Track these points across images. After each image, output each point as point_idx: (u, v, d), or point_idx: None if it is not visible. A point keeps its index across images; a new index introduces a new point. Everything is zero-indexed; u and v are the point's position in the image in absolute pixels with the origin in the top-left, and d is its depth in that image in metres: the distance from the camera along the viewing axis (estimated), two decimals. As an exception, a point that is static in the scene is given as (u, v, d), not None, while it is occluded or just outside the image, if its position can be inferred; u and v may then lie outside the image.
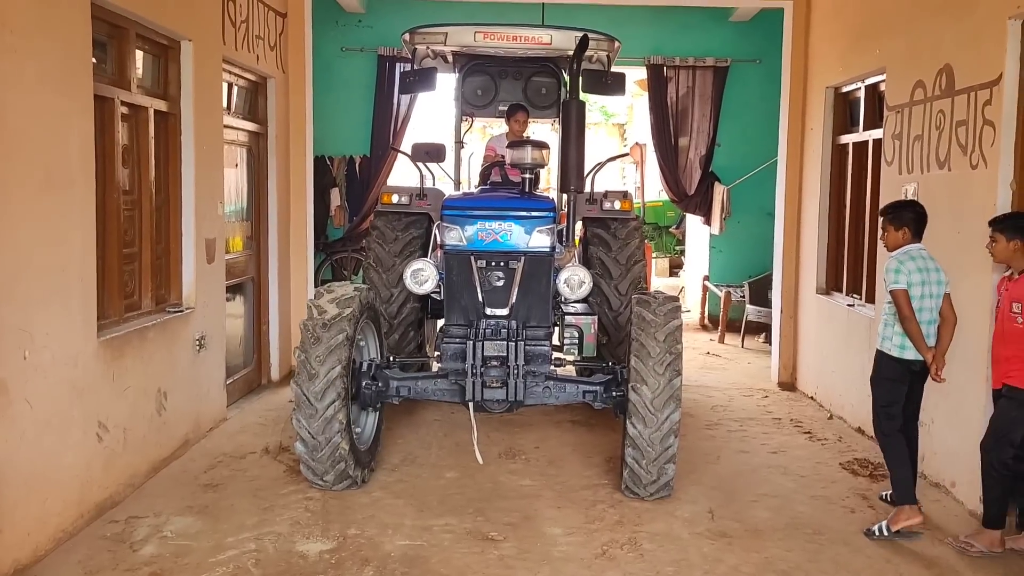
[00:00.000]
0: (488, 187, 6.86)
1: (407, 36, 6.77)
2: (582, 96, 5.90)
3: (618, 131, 23.62)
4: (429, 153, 6.36)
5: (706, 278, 11.57)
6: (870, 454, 6.19)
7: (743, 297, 10.55)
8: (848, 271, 7.51)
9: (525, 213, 5.66)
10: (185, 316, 6.06)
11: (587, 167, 6.18)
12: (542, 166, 6.05)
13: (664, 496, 5.30)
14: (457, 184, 7.77)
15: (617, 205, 6.94)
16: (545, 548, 4.66)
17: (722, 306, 10.81)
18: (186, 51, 6.06)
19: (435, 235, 6.54)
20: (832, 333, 7.54)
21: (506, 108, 7.52)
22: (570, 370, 6.73)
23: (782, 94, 8.51)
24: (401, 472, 5.80)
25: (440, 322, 6.28)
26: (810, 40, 8.21)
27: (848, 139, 7.56)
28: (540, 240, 5.62)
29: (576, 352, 6.04)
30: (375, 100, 10.37)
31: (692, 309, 12.30)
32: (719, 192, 10.77)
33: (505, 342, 5.39)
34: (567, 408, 7.02)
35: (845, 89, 7.65)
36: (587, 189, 6.62)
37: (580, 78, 5.73)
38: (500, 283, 5.57)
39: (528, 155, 5.82)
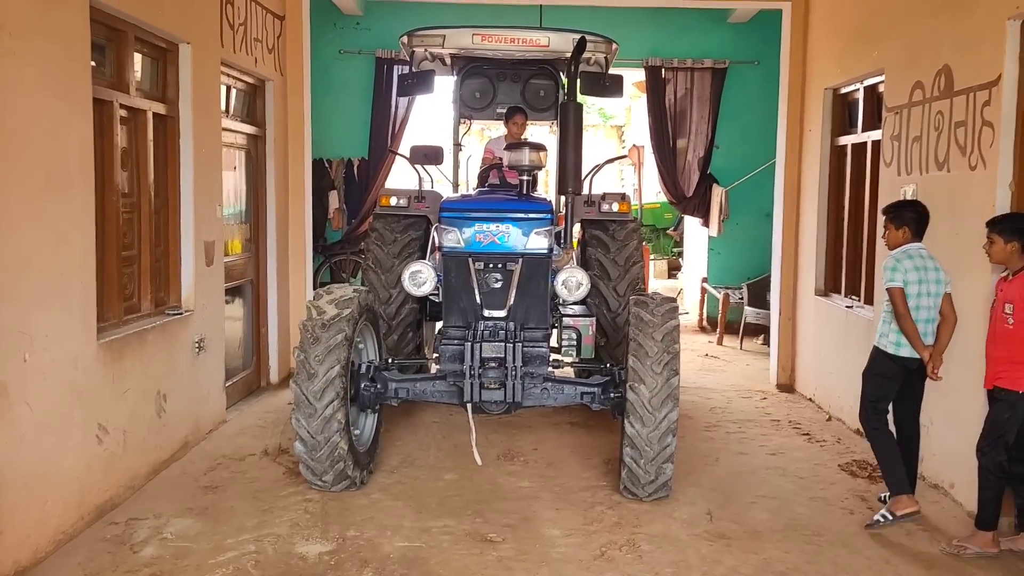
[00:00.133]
0: (486, 189, 6.86)
1: (405, 38, 6.78)
2: (580, 98, 5.90)
3: (616, 133, 23.64)
4: (427, 155, 6.37)
5: (704, 280, 11.58)
6: (869, 456, 6.16)
7: (741, 299, 10.56)
8: (847, 272, 7.52)
9: (523, 215, 5.66)
10: (184, 318, 6.06)
11: (585, 169, 6.20)
12: (540, 168, 6.06)
13: (662, 497, 5.31)
14: (455, 186, 7.78)
15: (615, 207, 6.95)
16: (544, 549, 4.66)
17: (720, 308, 10.82)
18: (184, 54, 6.07)
19: (433, 237, 6.56)
20: (831, 335, 7.55)
21: (504, 110, 7.53)
22: (568, 372, 6.74)
23: (780, 95, 8.52)
24: (400, 474, 5.80)
25: (438, 324, 6.29)
26: (808, 41, 8.22)
27: (847, 140, 7.57)
28: (538, 242, 5.62)
29: (574, 354, 6.05)
30: (373, 103, 10.39)
31: (691, 311, 12.31)
32: (717, 194, 10.78)
33: (503, 344, 5.39)
34: (565, 410, 7.02)
35: (844, 90, 7.66)
36: (585, 191, 6.63)
37: (578, 80, 5.74)
38: (498, 285, 5.58)
39: (526, 157, 5.84)
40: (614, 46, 6.80)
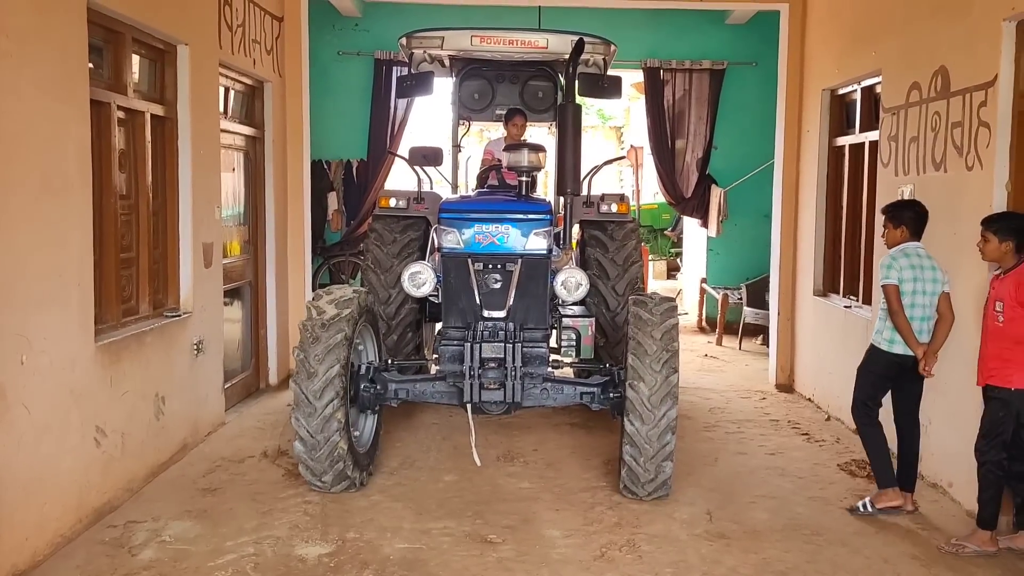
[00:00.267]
0: (485, 190, 6.87)
1: (404, 40, 6.79)
2: (578, 99, 5.91)
3: (615, 134, 23.68)
4: (427, 157, 6.37)
5: (703, 281, 11.59)
6: (868, 455, 6.20)
7: (740, 299, 10.56)
8: (845, 273, 7.53)
9: (522, 216, 5.67)
10: (183, 320, 6.06)
11: (584, 170, 6.20)
12: (539, 169, 6.07)
13: (662, 496, 5.31)
14: (454, 188, 7.78)
15: (614, 208, 6.96)
16: (544, 550, 4.66)
17: (720, 308, 10.83)
18: (182, 55, 6.07)
19: (432, 238, 6.56)
20: (829, 335, 7.55)
21: (503, 112, 7.54)
22: (568, 372, 6.74)
23: (778, 96, 8.53)
24: (400, 475, 5.80)
25: (438, 325, 6.29)
26: (806, 42, 8.22)
27: (844, 141, 7.58)
28: (537, 243, 5.63)
29: (574, 354, 6.05)
30: (372, 104, 10.38)
31: (690, 312, 12.32)
32: (716, 195, 10.78)
33: (503, 344, 5.40)
34: (565, 410, 7.02)
35: (841, 91, 7.67)
36: (584, 192, 6.64)
37: (576, 82, 5.75)
38: (497, 285, 5.59)
39: (525, 158, 5.84)
40: (612, 47, 6.80)
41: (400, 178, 10.40)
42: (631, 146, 15.30)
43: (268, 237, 8.01)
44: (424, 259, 6.47)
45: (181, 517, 4.99)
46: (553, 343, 6.12)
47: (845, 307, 7.20)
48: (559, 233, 6.15)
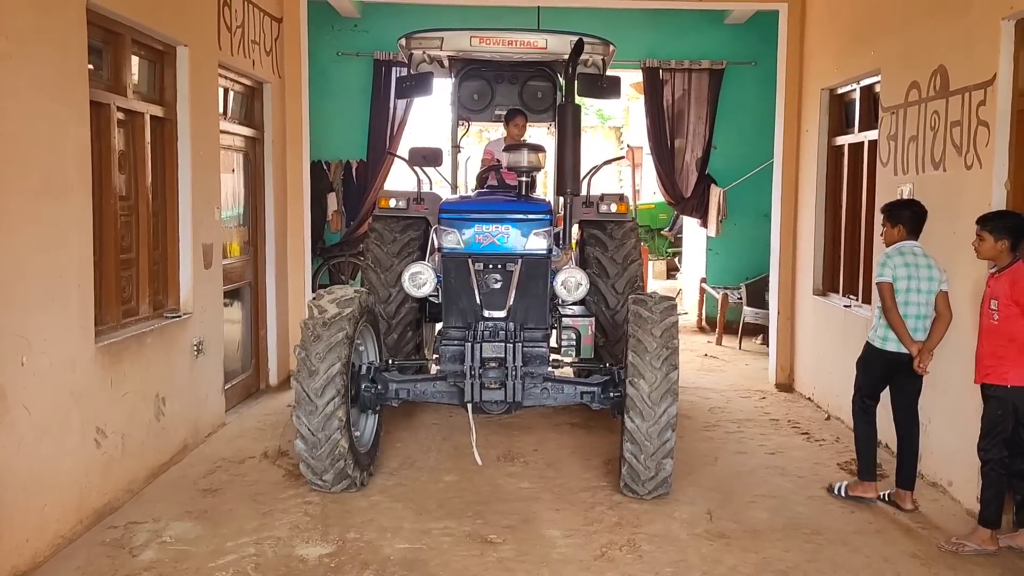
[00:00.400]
0: (485, 191, 6.88)
1: (403, 41, 6.79)
2: (578, 100, 5.91)
3: (614, 134, 23.68)
4: (426, 157, 6.38)
5: (703, 280, 11.59)
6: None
7: (740, 299, 10.57)
8: (844, 272, 7.53)
9: (522, 216, 5.68)
10: (183, 321, 6.06)
11: (583, 170, 6.20)
12: (538, 169, 6.07)
13: (662, 494, 5.31)
14: (454, 188, 7.79)
15: (613, 208, 6.97)
16: (544, 550, 4.66)
17: (719, 308, 10.83)
18: (182, 56, 6.07)
19: (432, 238, 6.57)
20: (829, 334, 7.56)
21: (503, 112, 7.54)
22: (568, 371, 6.74)
23: (777, 96, 8.53)
24: (400, 475, 5.80)
25: (438, 325, 6.30)
26: (805, 42, 8.23)
27: (843, 140, 7.59)
28: (537, 243, 5.64)
29: (574, 354, 6.06)
30: (371, 105, 10.38)
31: (690, 311, 12.32)
32: (715, 194, 10.79)
33: (503, 344, 5.41)
34: (565, 410, 7.03)
35: (840, 91, 7.68)
36: (583, 192, 6.65)
37: (575, 82, 5.76)
38: (497, 285, 5.59)
39: (524, 158, 5.85)
40: (612, 47, 6.81)
41: (400, 179, 10.40)
42: (628, 146, 15.31)
43: (268, 238, 8.01)
44: (424, 259, 6.47)
45: (182, 518, 4.99)
46: (553, 343, 6.13)
47: (845, 306, 7.21)
48: (559, 233, 6.15)
